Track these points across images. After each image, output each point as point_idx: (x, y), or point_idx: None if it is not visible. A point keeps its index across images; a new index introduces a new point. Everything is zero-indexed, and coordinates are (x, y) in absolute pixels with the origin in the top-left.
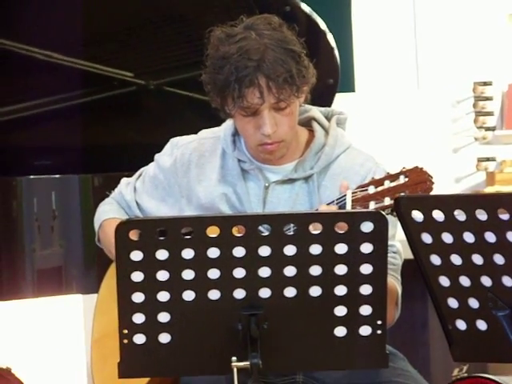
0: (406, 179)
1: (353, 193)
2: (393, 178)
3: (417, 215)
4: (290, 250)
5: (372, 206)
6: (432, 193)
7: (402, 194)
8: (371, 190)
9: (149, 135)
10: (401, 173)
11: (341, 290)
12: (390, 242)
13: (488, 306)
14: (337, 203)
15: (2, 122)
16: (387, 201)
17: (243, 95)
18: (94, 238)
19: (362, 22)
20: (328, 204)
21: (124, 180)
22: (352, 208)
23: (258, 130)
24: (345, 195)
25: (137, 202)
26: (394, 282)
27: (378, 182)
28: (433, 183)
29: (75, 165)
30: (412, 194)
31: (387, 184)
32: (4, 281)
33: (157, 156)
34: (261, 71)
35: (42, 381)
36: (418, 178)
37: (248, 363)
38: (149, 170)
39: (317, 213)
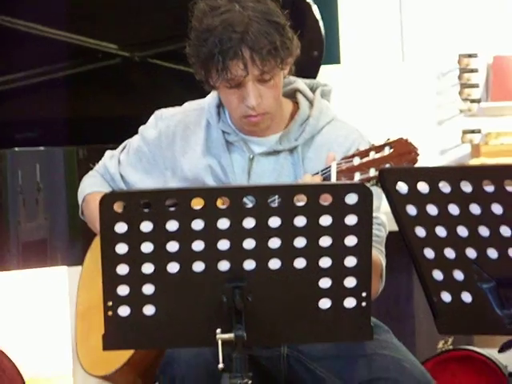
0: (391, 150)
1: (338, 164)
2: (378, 149)
3: (402, 187)
4: (274, 222)
5: (357, 177)
6: (417, 165)
7: (387, 165)
8: (356, 161)
9: (133, 107)
10: (386, 144)
11: (325, 262)
12: (374, 214)
13: (473, 278)
14: (322, 174)
15: None
16: (372, 172)
17: (227, 67)
18: (78, 211)
19: None
20: (313, 175)
21: (108, 152)
22: (337, 179)
23: (243, 101)
24: (330, 167)
25: (121, 175)
26: (378, 254)
27: (363, 154)
28: (418, 154)
29: (60, 137)
30: (397, 165)
31: (372, 155)
32: None
33: (141, 128)
34: (245, 43)
35: (27, 353)
36: (403, 149)
37: (232, 335)
38: (133, 142)
39: (301, 185)
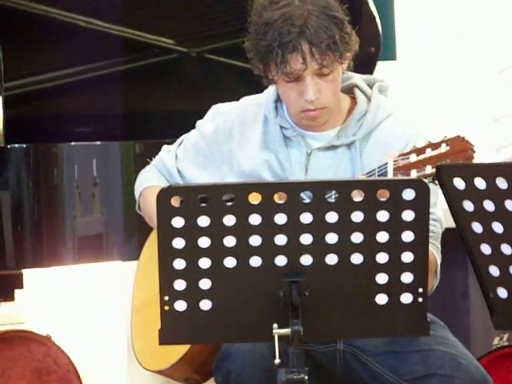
0: (448, 148)
1: (394, 161)
2: (434, 146)
3: (458, 183)
4: (331, 217)
5: (413, 174)
6: (473, 162)
7: (444, 162)
8: (413, 158)
9: (190, 102)
10: (442, 141)
11: (382, 258)
12: (430, 210)
13: None
14: (378, 171)
15: (43, 89)
16: (429, 169)
17: (286, 61)
18: (135, 206)
19: None
20: (369, 172)
21: (165, 147)
22: (394, 176)
23: (301, 96)
24: (386, 163)
25: (178, 170)
26: (433, 250)
27: (419, 151)
28: (474, 152)
29: (116, 132)
30: (453, 162)
31: (429, 152)
32: (45, 248)
33: (198, 123)
34: (304, 37)
35: (82, 348)
36: (460, 146)
37: (289, 330)
38: (190, 137)
39: (359, 180)
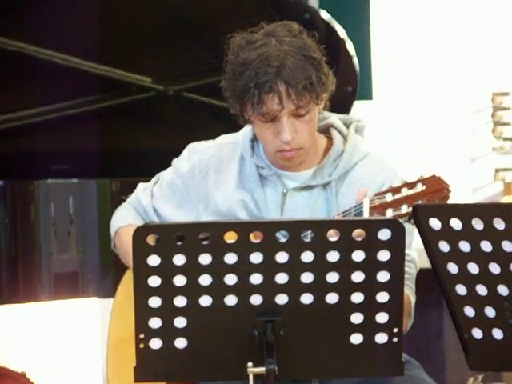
0: (424, 187)
1: (370, 200)
2: (410, 186)
3: (434, 223)
4: (307, 257)
5: (389, 213)
6: (449, 202)
7: (420, 201)
8: (389, 197)
9: (167, 141)
10: (418, 181)
11: (357, 297)
12: (406, 251)
13: (504, 315)
14: (354, 210)
15: (20, 127)
16: (404, 209)
17: (263, 101)
18: (111, 244)
19: (380, 30)
20: (345, 211)
21: (141, 185)
22: (370, 215)
23: (277, 136)
24: (362, 203)
25: (154, 207)
26: (408, 291)
27: (395, 190)
28: (450, 191)
29: (93, 169)
30: (429, 202)
31: (405, 192)
32: (21, 284)
33: (175, 161)
34: (281, 77)
35: None
36: (436, 186)
37: (264, 369)
38: (166, 175)
39: (334, 220)
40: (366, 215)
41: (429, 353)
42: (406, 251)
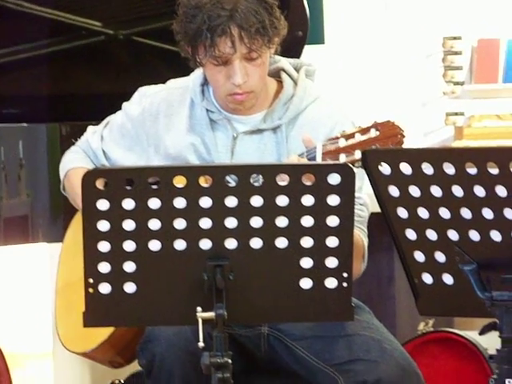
0: (377, 133)
1: (323, 145)
2: (364, 131)
3: (384, 168)
4: (256, 201)
5: (342, 158)
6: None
7: (373, 147)
8: (342, 143)
9: (117, 85)
10: (372, 126)
11: (307, 242)
12: (357, 194)
13: (454, 260)
14: (307, 155)
15: None
16: (358, 154)
17: (215, 44)
18: (60, 187)
19: None
20: (299, 155)
21: (91, 128)
22: (322, 161)
23: (229, 79)
24: (315, 147)
25: (103, 151)
26: (361, 234)
27: (348, 136)
28: (404, 137)
29: (43, 114)
30: (383, 147)
31: (358, 137)
32: None
33: (125, 105)
34: (233, 21)
35: (6, 330)
36: (390, 131)
37: (213, 314)
38: (116, 118)
39: (284, 164)
40: (318, 160)
41: (380, 298)
42: (358, 194)
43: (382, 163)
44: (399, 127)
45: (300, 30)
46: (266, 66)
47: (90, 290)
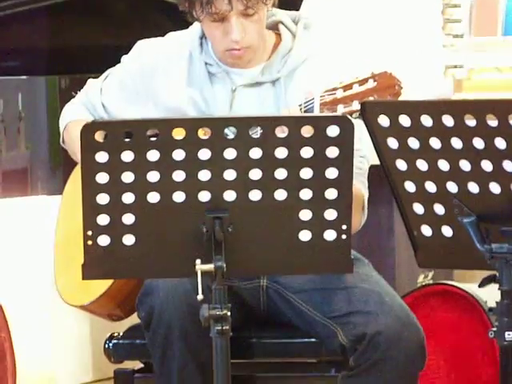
0: (375, 83)
1: (321, 97)
2: (362, 82)
3: (383, 120)
4: (255, 153)
5: (340, 109)
6: (399, 99)
7: (371, 98)
8: (339, 93)
9: (116, 37)
10: (370, 77)
11: (306, 194)
12: (357, 146)
13: (454, 213)
14: (304, 107)
15: None
16: (355, 105)
17: (211, 1)
18: (60, 139)
19: None
20: (298, 106)
21: (90, 81)
22: (320, 112)
23: (226, 35)
24: (313, 99)
25: (103, 104)
26: (361, 186)
27: (346, 86)
28: (401, 88)
29: (42, 66)
30: (380, 98)
31: (356, 88)
32: None
33: (124, 58)
34: None
35: (5, 282)
36: (387, 82)
37: (212, 266)
38: (116, 71)
39: (283, 116)
40: (316, 112)
41: (379, 250)
42: (358, 146)
43: (381, 115)
44: (396, 78)
45: None
46: (262, 21)
47: (89, 243)
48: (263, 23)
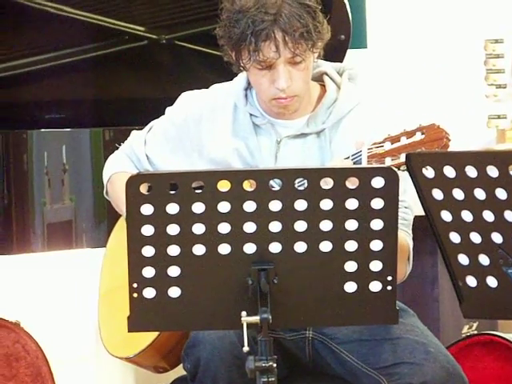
0: (423, 136)
1: (368, 149)
2: (409, 134)
3: (428, 172)
4: (300, 205)
5: (388, 162)
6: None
7: (418, 150)
8: (387, 146)
9: (160, 89)
10: (417, 129)
11: (351, 246)
12: (401, 197)
13: (498, 263)
14: (352, 159)
15: (14, 76)
16: (403, 157)
17: (259, 49)
18: (103, 191)
19: None
20: (344, 159)
21: (134, 133)
22: (368, 164)
23: (273, 83)
24: (360, 151)
25: (147, 156)
26: (406, 237)
27: (394, 139)
28: (449, 140)
29: (86, 119)
30: (423, 151)
31: (403, 140)
32: (15, 235)
33: (168, 110)
34: (277, 25)
35: (51, 334)
36: (435, 135)
37: (258, 318)
38: (160, 123)
39: (328, 168)
40: (364, 164)
41: (424, 301)
42: (403, 197)
43: (426, 166)
44: (445, 130)
45: (343, 34)
46: (309, 70)
47: (135, 295)
48: (310, 72)
